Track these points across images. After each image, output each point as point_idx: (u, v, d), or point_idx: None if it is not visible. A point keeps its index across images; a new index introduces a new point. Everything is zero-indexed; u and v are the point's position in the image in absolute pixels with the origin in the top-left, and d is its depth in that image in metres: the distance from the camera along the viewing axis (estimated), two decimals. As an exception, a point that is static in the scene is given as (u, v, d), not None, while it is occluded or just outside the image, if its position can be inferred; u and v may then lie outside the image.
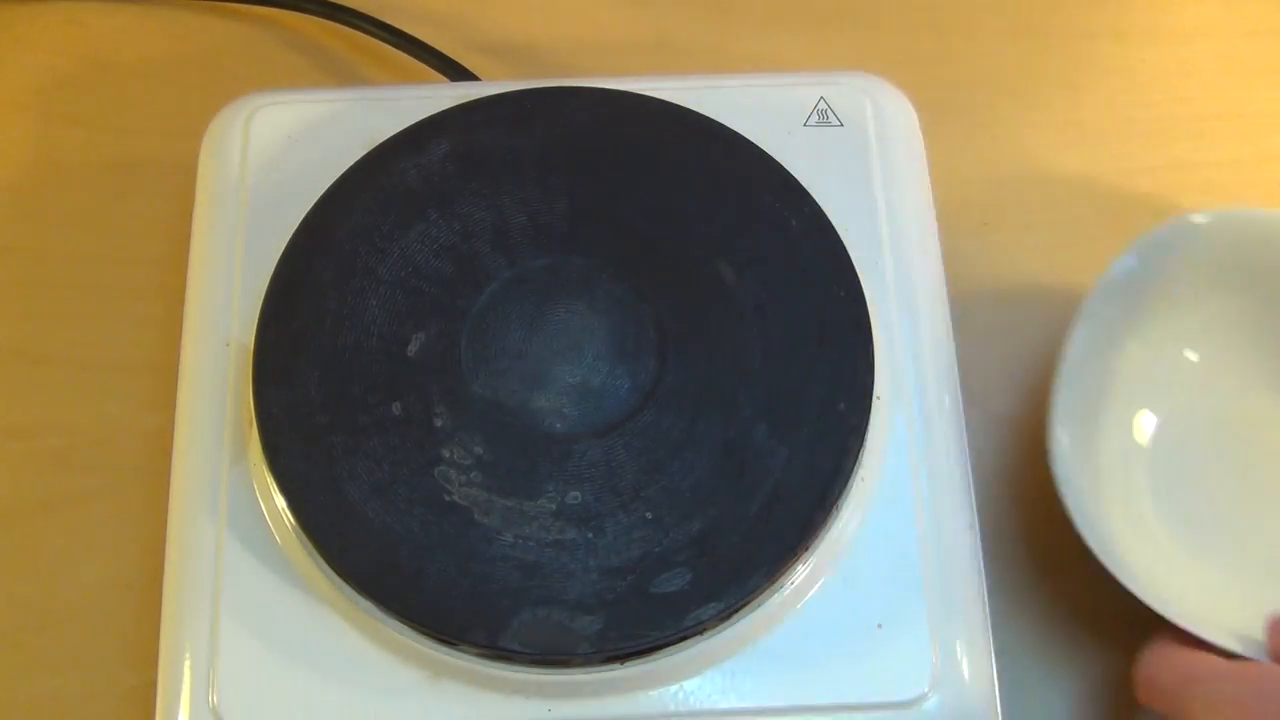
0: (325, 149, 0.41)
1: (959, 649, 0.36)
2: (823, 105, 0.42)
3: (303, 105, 0.42)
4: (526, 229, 0.39)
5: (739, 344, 0.37)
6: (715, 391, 0.37)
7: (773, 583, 0.35)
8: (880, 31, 0.51)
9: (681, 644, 0.35)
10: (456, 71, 0.47)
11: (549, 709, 0.35)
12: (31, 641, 0.40)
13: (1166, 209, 0.47)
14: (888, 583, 0.36)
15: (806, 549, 0.35)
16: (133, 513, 0.42)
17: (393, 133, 0.40)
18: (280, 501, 0.36)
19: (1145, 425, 0.42)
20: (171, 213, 0.45)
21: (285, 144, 0.42)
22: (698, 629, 0.35)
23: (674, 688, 0.35)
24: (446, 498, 0.35)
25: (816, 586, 0.36)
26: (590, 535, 0.35)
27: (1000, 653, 0.36)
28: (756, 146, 0.40)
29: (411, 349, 0.37)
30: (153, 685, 0.36)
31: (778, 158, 0.40)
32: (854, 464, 0.36)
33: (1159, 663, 0.36)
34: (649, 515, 0.35)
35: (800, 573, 0.36)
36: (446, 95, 0.42)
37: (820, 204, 0.39)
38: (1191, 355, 0.42)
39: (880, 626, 0.36)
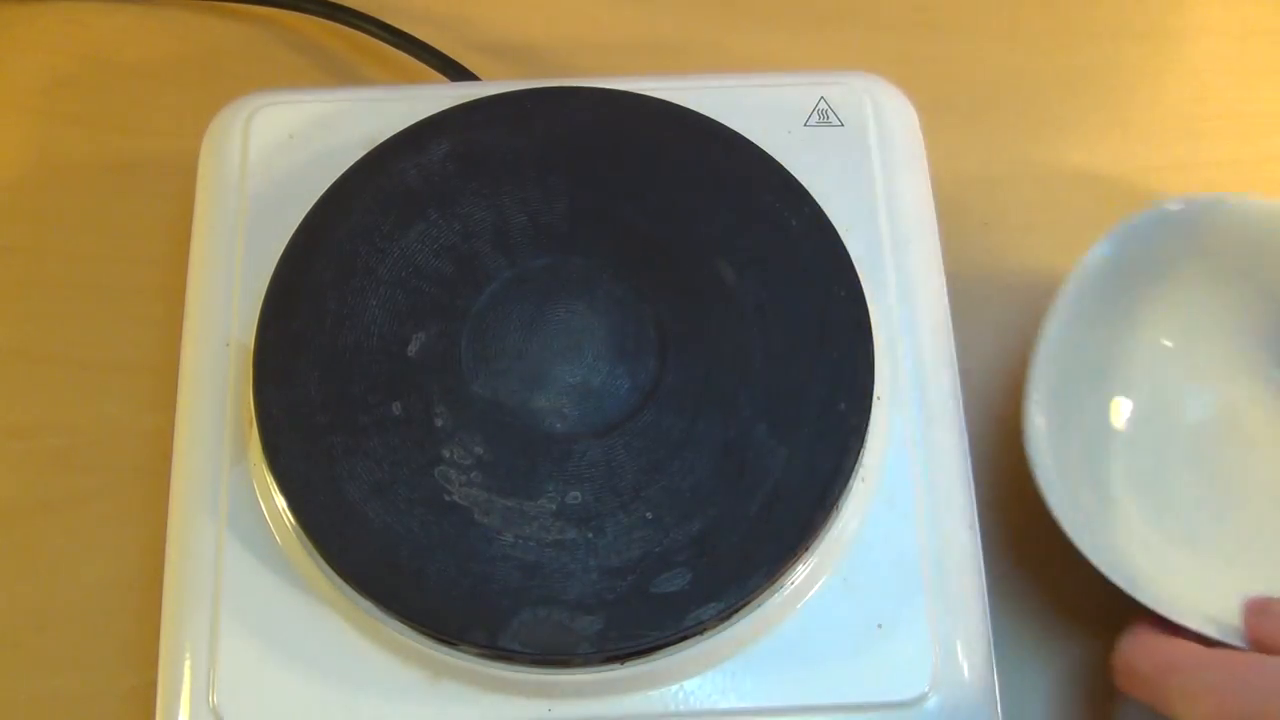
0: (325, 149, 0.41)
1: (959, 649, 0.36)
2: (823, 105, 0.42)
3: (303, 105, 0.42)
4: (526, 229, 0.39)
5: (739, 344, 0.37)
6: (715, 391, 0.37)
7: (773, 583, 0.35)
8: (880, 31, 0.51)
9: (681, 644, 0.35)
10: (456, 71, 0.47)
11: (549, 709, 0.35)
12: (31, 641, 0.40)
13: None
14: (888, 583, 0.36)
15: (806, 549, 0.35)
16: (133, 513, 0.42)
17: (393, 133, 0.40)
18: (280, 501, 0.36)
19: (1122, 410, 0.42)
20: (171, 213, 0.45)
21: (285, 144, 0.42)
22: (698, 629, 0.35)
23: (674, 688, 0.35)
24: (446, 498, 0.35)
25: (816, 586, 0.36)
26: (590, 535, 0.35)
27: (1001, 654, 0.36)
28: (756, 146, 0.40)
29: (412, 349, 0.37)
30: (153, 685, 0.36)
31: (778, 158, 0.40)
32: (854, 464, 0.36)
33: (1137, 650, 0.36)
34: (649, 515, 0.35)
35: (800, 573, 0.36)
36: (446, 95, 0.42)
37: (820, 204, 0.39)
38: (1167, 342, 0.42)
39: (880, 626, 0.36)
